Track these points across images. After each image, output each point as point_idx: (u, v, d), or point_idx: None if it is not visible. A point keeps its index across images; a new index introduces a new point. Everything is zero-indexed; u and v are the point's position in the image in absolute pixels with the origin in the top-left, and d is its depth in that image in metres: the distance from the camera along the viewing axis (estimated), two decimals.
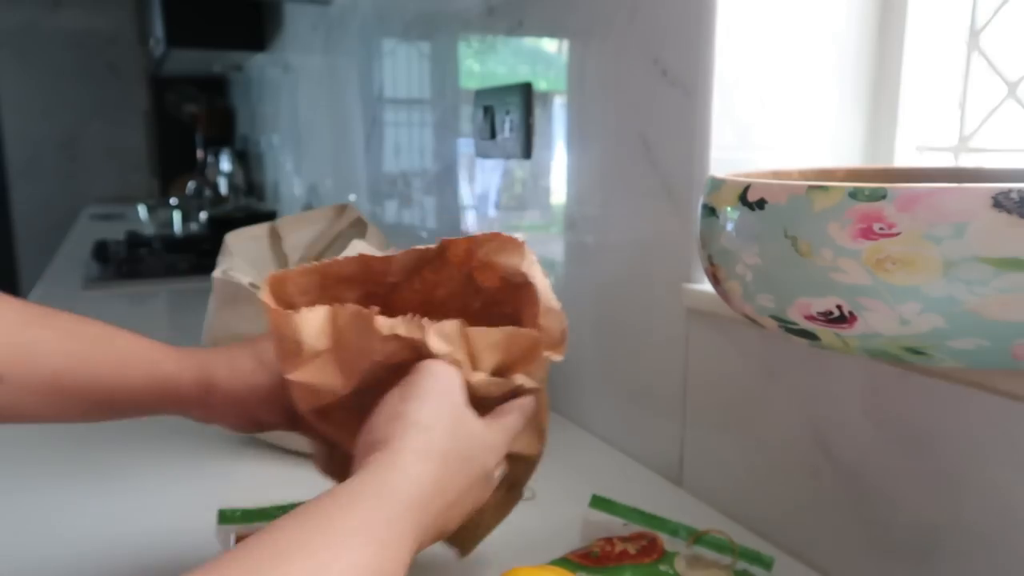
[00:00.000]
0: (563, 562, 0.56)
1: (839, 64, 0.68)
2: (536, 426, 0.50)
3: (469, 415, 0.44)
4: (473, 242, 0.51)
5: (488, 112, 1.02)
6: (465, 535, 0.52)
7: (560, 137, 0.89)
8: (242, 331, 0.75)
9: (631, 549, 0.56)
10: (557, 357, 0.49)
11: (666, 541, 0.58)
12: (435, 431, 0.41)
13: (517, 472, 0.51)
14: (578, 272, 0.88)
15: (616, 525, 0.59)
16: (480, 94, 1.04)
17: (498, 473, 0.46)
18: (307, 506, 0.35)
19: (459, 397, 0.44)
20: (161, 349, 0.51)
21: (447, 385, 0.43)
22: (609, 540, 0.58)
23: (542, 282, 0.49)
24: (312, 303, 0.46)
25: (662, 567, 0.55)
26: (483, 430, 0.44)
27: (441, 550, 0.57)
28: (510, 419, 0.47)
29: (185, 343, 0.54)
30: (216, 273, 0.78)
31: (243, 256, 0.85)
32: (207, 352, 0.52)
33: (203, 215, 2.49)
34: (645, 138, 0.73)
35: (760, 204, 0.41)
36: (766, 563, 0.55)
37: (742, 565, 0.55)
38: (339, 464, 0.51)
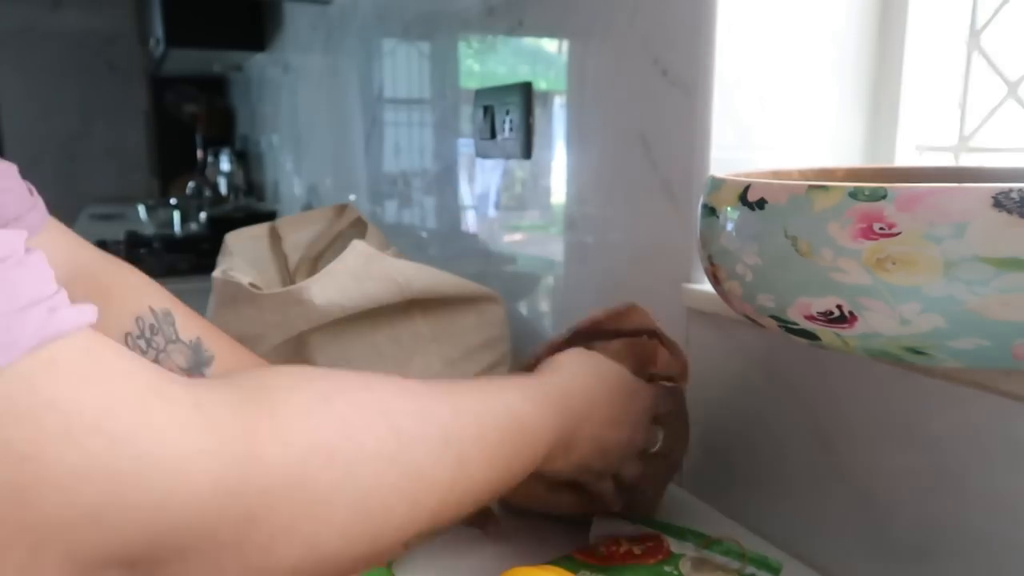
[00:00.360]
0: (567, 560, 0.56)
1: (839, 64, 0.68)
2: (683, 418, 0.63)
3: (627, 372, 0.55)
4: (600, 321, 0.61)
5: (488, 112, 1.02)
6: (641, 500, 0.62)
7: (560, 137, 0.89)
8: (242, 331, 0.75)
9: (636, 550, 0.56)
10: (686, 384, 0.61)
11: (672, 543, 0.58)
12: (595, 366, 0.52)
13: (675, 451, 0.62)
14: (578, 272, 0.88)
15: (624, 528, 0.59)
16: (480, 94, 1.04)
17: (657, 444, 0.57)
18: (480, 377, 0.48)
19: (615, 363, 0.55)
20: None
21: (605, 357, 0.55)
22: (615, 539, 0.58)
23: (664, 330, 0.61)
24: None
25: (667, 567, 0.55)
26: (636, 384, 0.55)
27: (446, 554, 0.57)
28: (658, 388, 0.58)
29: None
30: (216, 273, 0.78)
31: (243, 256, 0.85)
32: None
33: (203, 215, 2.49)
34: (645, 138, 0.73)
35: (760, 204, 0.41)
36: (774, 569, 0.55)
37: (749, 570, 0.55)
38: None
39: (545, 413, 0.44)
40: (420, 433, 0.35)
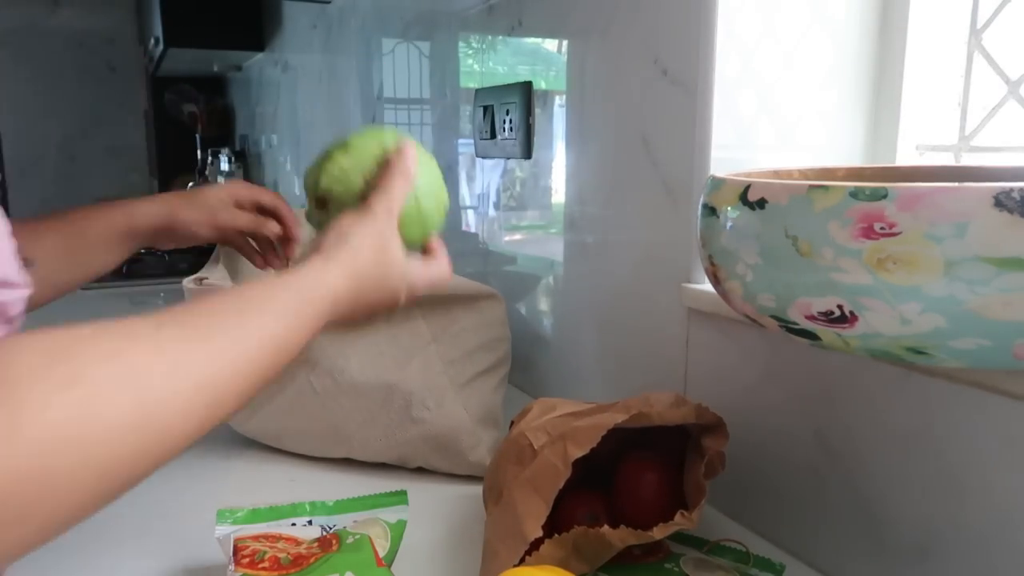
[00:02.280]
0: None
1: (839, 64, 0.68)
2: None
3: (394, 248, 0.53)
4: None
5: (488, 112, 1.02)
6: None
7: (560, 137, 0.89)
8: None
9: (636, 549, 0.56)
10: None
11: (672, 544, 0.58)
12: (361, 253, 0.50)
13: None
14: (578, 272, 0.87)
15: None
16: (480, 94, 1.04)
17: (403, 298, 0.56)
18: (250, 285, 0.45)
19: (390, 233, 0.53)
20: None
21: (382, 226, 0.53)
22: None
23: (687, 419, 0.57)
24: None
25: (667, 565, 0.55)
26: (402, 264, 0.53)
27: (452, 548, 0.57)
28: (434, 269, 0.57)
29: None
30: (187, 283, 0.79)
31: (239, 260, 0.85)
32: None
33: None
34: (645, 138, 0.73)
35: (761, 204, 0.41)
36: (777, 570, 0.55)
37: (753, 571, 0.55)
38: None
39: (313, 324, 0.46)
40: (170, 392, 0.36)
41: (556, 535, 0.51)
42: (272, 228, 0.73)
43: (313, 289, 0.47)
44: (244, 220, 0.72)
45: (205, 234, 0.71)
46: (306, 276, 0.47)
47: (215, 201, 0.71)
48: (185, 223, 0.70)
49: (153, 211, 0.70)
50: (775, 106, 0.67)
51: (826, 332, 0.40)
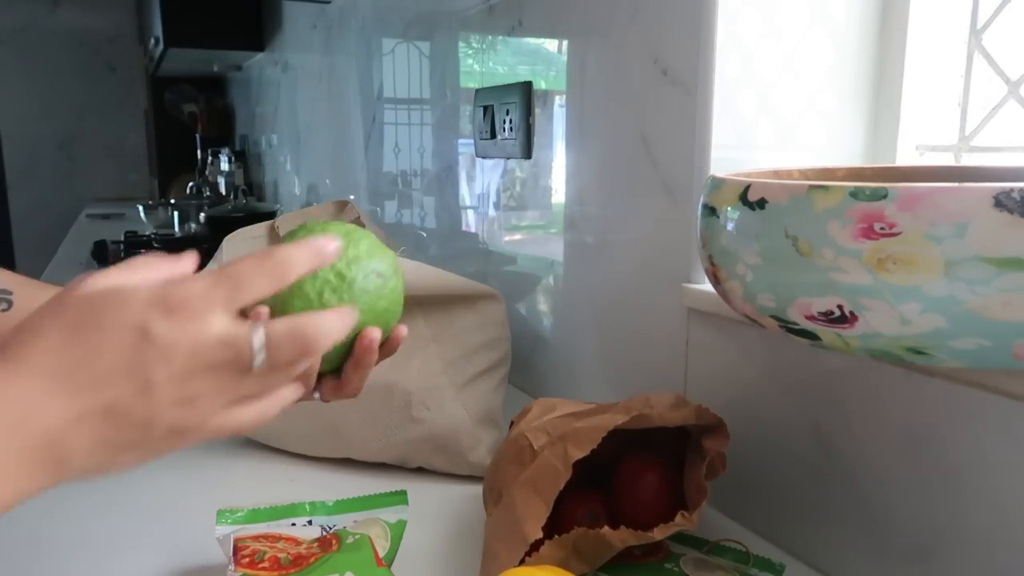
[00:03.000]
0: None
1: (839, 64, 0.68)
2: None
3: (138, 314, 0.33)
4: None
5: (488, 112, 1.02)
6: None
7: (560, 137, 0.89)
8: None
9: (636, 550, 0.56)
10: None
11: (671, 544, 0.58)
12: (47, 338, 0.33)
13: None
14: (578, 272, 0.87)
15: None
16: (480, 94, 1.04)
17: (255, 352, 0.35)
18: None
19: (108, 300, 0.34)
20: None
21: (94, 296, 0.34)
22: None
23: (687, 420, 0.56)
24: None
25: (667, 565, 0.55)
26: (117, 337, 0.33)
27: (452, 547, 0.57)
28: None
29: None
30: None
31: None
32: None
33: (202, 215, 2.49)
34: (645, 137, 0.73)
35: (761, 204, 0.41)
36: (777, 570, 0.55)
37: (753, 571, 0.55)
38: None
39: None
40: None
41: (556, 536, 0.51)
42: None
43: None
44: None
45: None
46: None
47: None
48: None
49: None
50: (775, 106, 0.67)
51: (826, 332, 0.40)
